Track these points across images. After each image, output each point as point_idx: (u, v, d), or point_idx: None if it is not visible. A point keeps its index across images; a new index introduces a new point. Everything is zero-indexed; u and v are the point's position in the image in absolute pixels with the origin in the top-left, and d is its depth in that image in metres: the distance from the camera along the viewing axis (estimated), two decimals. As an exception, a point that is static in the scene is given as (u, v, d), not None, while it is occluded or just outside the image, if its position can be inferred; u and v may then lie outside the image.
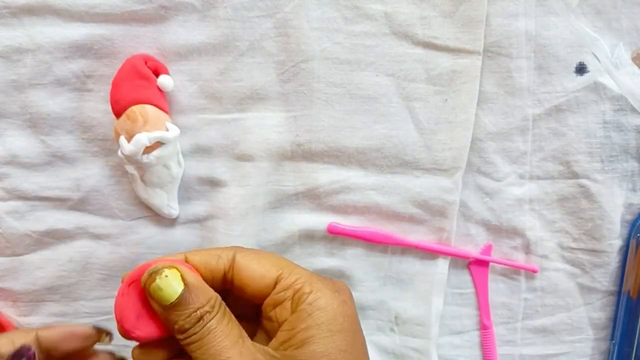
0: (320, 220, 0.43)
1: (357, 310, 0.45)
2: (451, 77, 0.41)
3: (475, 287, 0.45)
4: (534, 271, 0.45)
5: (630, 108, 0.42)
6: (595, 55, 0.40)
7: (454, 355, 0.47)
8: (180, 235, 0.43)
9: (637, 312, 0.44)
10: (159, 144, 0.38)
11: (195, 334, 0.28)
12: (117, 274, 0.44)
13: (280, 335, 0.30)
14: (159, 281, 0.28)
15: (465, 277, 0.45)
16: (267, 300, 0.31)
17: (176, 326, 0.28)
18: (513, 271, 0.45)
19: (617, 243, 0.44)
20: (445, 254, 0.44)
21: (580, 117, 0.42)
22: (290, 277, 0.30)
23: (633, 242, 0.43)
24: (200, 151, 0.42)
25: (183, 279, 0.28)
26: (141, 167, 0.39)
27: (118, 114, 0.38)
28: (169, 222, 0.43)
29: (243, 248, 0.32)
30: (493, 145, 0.42)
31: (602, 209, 0.43)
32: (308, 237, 0.44)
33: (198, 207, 0.43)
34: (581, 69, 0.41)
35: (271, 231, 0.43)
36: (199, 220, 0.43)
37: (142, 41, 0.40)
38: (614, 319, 0.45)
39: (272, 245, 0.43)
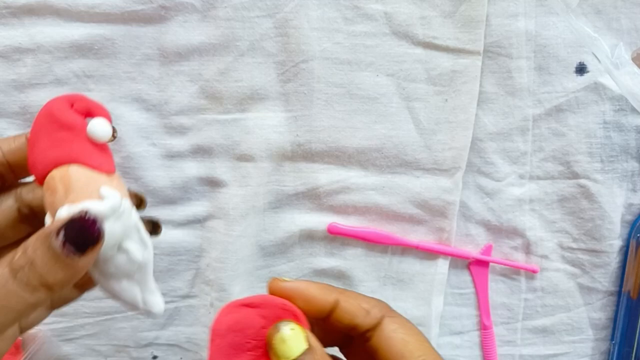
0: (320, 220, 0.43)
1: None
2: (451, 77, 0.41)
3: (475, 287, 0.45)
4: (534, 271, 0.44)
5: (630, 108, 0.41)
6: (595, 55, 0.40)
7: (454, 355, 0.46)
8: (181, 236, 0.43)
9: (637, 312, 0.44)
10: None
11: None
12: (117, 274, 0.44)
13: None
14: (283, 334, 0.26)
15: (465, 277, 0.45)
16: None
17: None
18: (513, 271, 0.45)
19: (617, 243, 0.44)
20: (445, 254, 0.44)
21: (581, 117, 0.42)
22: None
23: (633, 242, 0.43)
24: (201, 151, 0.42)
25: (307, 340, 0.26)
26: None
27: (40, 182, 0.27)
28: (169, 222, 0.43)
29: (391, 311, 0.30)
30: (493, 145, 0.42)
31: (602, 209, 0.43)
32: (308, 237, 0.44)
33: (198, 207, 0.43)
34: (581, 69, 0.41)
35: (271, 231, 0.43)
36: (199, 221, 0.43)
37: (142, 41, 0.40)
38: (614, 319, 0.45)
39: (272, 245, 0.43)
